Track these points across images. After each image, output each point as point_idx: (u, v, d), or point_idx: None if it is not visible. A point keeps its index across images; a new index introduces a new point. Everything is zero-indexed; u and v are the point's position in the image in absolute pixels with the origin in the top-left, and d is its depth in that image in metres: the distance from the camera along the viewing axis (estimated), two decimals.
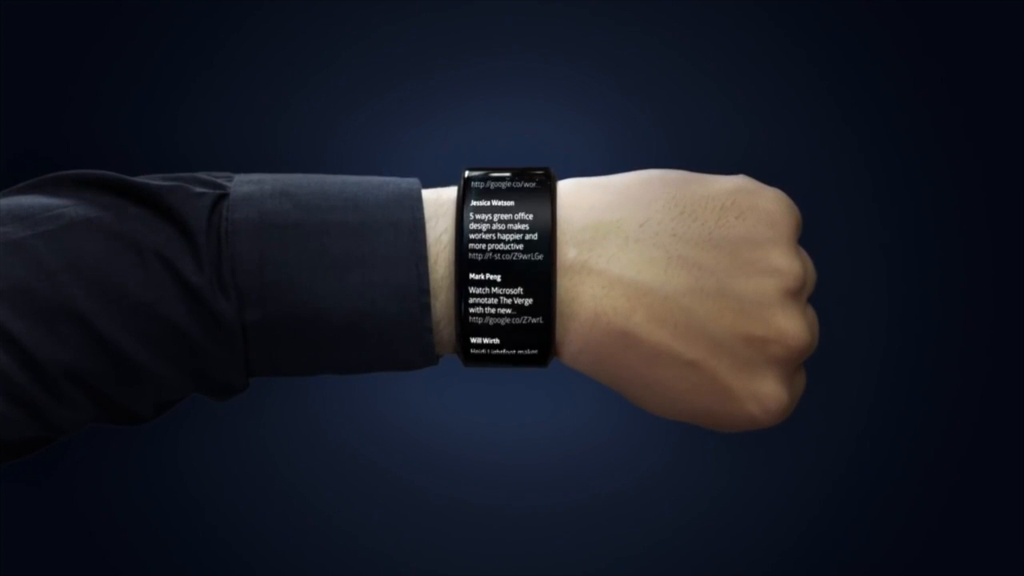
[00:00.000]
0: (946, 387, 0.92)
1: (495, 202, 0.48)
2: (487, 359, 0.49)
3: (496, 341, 0.48)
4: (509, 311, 0.48)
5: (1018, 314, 0.91)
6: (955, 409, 0.92)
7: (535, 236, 0.47)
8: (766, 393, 0.48)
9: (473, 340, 0.48)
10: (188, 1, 0.92)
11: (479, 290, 0.47)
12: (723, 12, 0.91)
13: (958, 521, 0.92)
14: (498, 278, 0.47)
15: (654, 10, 0.92)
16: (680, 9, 0.91)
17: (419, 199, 0.48)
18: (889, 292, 0.92)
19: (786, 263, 0.48)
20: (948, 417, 0.92)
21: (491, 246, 0.47)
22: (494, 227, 0.47)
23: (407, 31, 0.92)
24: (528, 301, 0.47)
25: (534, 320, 0.48)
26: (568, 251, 0.48)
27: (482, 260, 0.47)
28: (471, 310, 0.47)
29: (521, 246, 0.47)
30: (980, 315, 0.92)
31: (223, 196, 0.48)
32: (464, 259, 0.47)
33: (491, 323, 0.48)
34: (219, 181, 0.49)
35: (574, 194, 0.49)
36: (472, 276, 0.47)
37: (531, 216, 0.48)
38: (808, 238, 0.51)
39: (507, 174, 0.49)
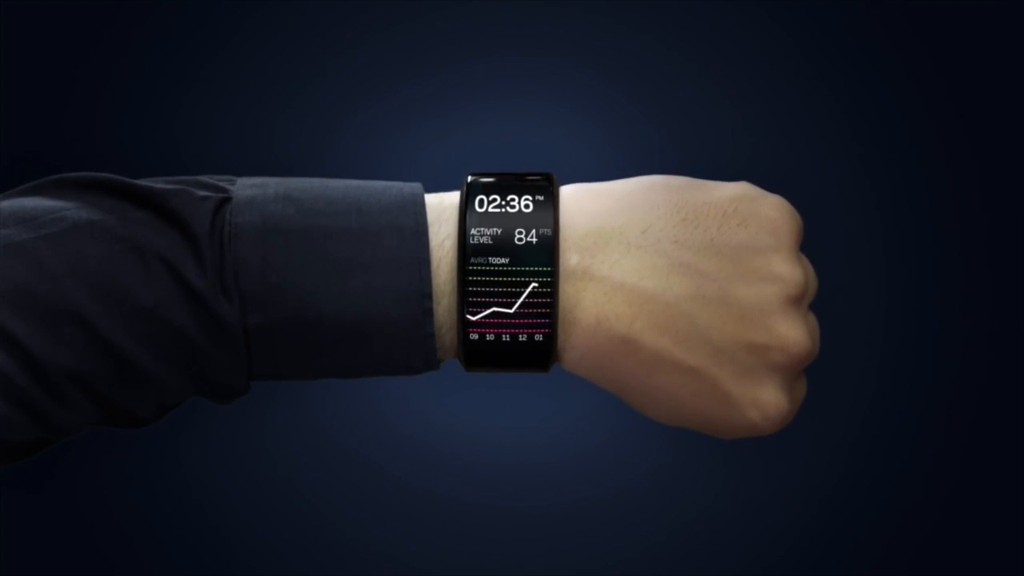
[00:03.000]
0: (946, 394, 0.92)
1: (497, 207, 0.48)
2: (489, 364, 0.49)
3: (498, 347, 0.48)
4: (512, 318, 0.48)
5: (1018, 319, 0.91)
6: (954, 416, 0.92)
7: (537, 242, 0.47)
8: (767, 400, 0.48)
9: (475, 345, 0.48)
10: (188, 1, 0.92)
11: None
12: (727, 16, 0.91)
13: (957, 526, 0.92)
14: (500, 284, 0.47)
15: (657, 14, 0.92)
16: (684, 13, 0.91)
17: (422, 204, 0.48)
18: (889, 299, 0.92)
19: (787, 270, 0.48)
20: (947, 424, 0.92)
21: (493, 251, 0.47)
22: (496, 232, 0.48)
23: (409, 33, 0.92)
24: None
25: (536, 326, 0.48)
26: (570, 257, 0.48)
27: (484, 265, 0.47)
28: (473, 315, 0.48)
29: (523, 252, 0.47)
30: (980, 323, 0.92)
31: (226, 200, 0.48)
32: (466, 264, 0.47)
33: (493, 328, 0.48)
34: (222, 184, 0.49)
35: (576, 200, 0.49)
36: (474, 281, 0.47)
37: (533, 222, 0.48)
38: (809, 245, 0.51)
39: (509, 179, 0.49)
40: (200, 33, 0.93)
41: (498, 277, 0.47)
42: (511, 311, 0.48)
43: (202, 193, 0.48)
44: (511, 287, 0.47)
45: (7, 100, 0.90)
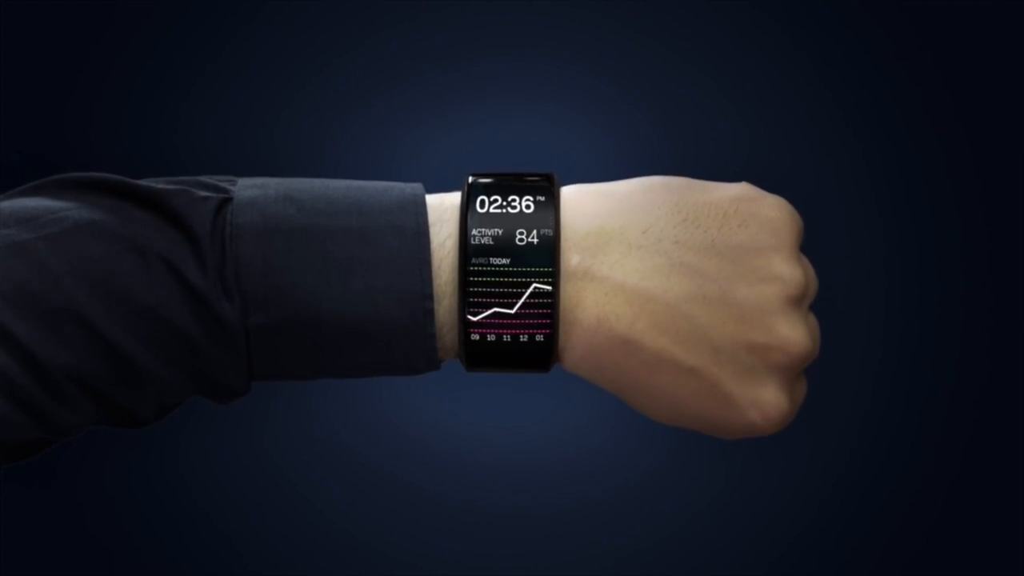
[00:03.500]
0: (945, 395, 0.92)
1: (498, 208, 0.48)
2: (490, 364, 0.49)
3: (499, 348, 0.48)
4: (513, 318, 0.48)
5: (1018, 319, 0.91)
6: (953, 416, 0.92)
7: (538, 242, 0.47)
8: (767, 400, 0.48)
9: (476, 345, 0.48)
10: (188, 2, 0.92)
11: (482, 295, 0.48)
12: (727, 17, 0.91)
13: (956, 526, 0.92)
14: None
15: (658, 14, 0.92)
16: (685, 13, 0.91)
17: (423, 204, 0.49)
18: (889, 299, 0.92)
19: (788, 270, 0.48)
20: (946, 424, 0.92)
21: (494, 252, 0.47)
22: (497, 233, 0.48)
23: (409, 33, 0.92)
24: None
25: (537, 326, 0.48)
26: (571, 257, 0.48)
27: (485, 266, 0.47)
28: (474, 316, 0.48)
29: (524, 252, 0.47)
30: (980, 323, 0.92)
31: (227, 200, 0.48)
32: (467, 264, 0.47)
33: (494, 329, 0.48)
34: (223, 185, 0.49)
35: (577, 200, 0.49)
36: (475, 281, 0.47)
37: (534, 222, 0.48)
38: (809, 245, 0.51)
39: (510, 179, 0.49)
40: (200, 34, 0.93)
41: (499, 278, 0.47)
42: (512, 311, 0.48)
43: (203, 193, 0.48)
44: (512, 288, 0.47)
45: (7, 100, 0.90)
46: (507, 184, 0.49)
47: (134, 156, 0.91)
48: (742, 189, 0.50)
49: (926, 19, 0.91)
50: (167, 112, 0.92)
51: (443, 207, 0.49)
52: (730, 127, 0.91)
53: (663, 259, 0.48)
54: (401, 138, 0.92)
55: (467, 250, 0.47)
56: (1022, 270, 0.91)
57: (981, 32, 0.91)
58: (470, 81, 0.92)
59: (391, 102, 0.92)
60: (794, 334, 0.48)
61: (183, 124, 0.92)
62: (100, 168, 0.50)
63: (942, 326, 0.92)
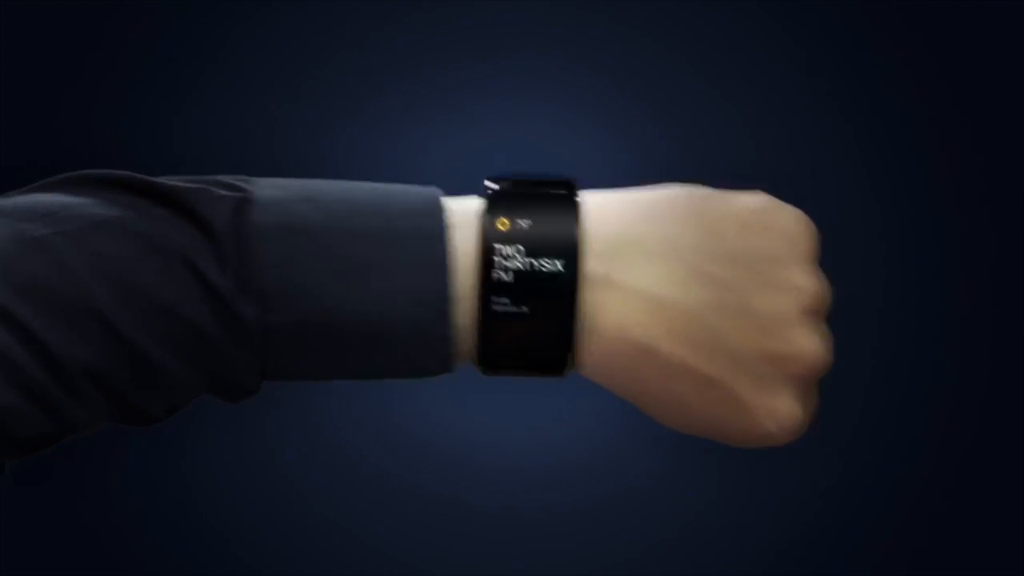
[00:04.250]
0: (945, 396, 0.93)
1: (518, 212, 0.48)
2: (506, 369, 0.49)
3: (516, 352, 0.48)
4: (530, 323, 0.48)
5: (1019, 322, 0.92)
6: (955, 421, 0.93)
7: (559, 248, 0.48)
8: (782, 410, 0.49)
9: (493, 350, 0.48)
10: (192, 2, 0.92)
11: (501, 300, 0.48)
12: (741, 23, 0.92)
13: (955, 527, 0.93)
14: (520, 289, 0.47)
15: (673, 19, 0.92)
16: (699, 19, 0.92)
17: (443, 208, 0.49)
18: (888, 302, 0.93)
19: (805, 281, 0.49)
20: (947, 428, 0.93)
21: (514, 257, 0.48)
22: (517, 238, 0.48)
23: (415, 33, 0.92)
24: (550, 313, 0.48)
25: (555, 332, 0.48)
26: (591, 264, 0.48)
27: (504, 270, 0.47)
28: (492, 320, 0.48)
29: (544, 258, 0.47)
30: (981, 328, 0.92)
31: (246, 199, 0.48)
32: (487, 269, 0.47)
33: (512, 334, 0.48)
34: (241, 184, 0.49)
35: (598, 207, 0.49)
36: (493, 286, 0.47)
37: (555, 228, 0.48)
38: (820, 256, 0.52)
39: (531, 185, 0.49)
40: (201, 33, 0.93)
41: (518, 283, 0.47)
42: (530, 317, 0.48)
43: (222, 192, 0.48)
44: (531, 293, 0.48)
45: (7, 100, 0.90)
46: (527, 191, 0.49)
47: (135, 156, 0.90)
48: (761, 199, 0.50)
49: (927, 20, 0.92)
50: (168, 112, 0.92)
51: (463, 211, 0.49)
52: (742, 130, 0.92)
53: (682, 267, 0.48)
54: (405, 138, 0.92)
55: (486, 255, 0.47)
56: (1022, 271, 0.92)
57: (981, 32, 0.91)
58: (476, 81, 0.92)
59: (396, 102, 0.92)
60: (810, 345, 0.48)
61: (184, 124, 0.92)
62: (102, 167, 0.49)
63: (943, 331, 0.92)
